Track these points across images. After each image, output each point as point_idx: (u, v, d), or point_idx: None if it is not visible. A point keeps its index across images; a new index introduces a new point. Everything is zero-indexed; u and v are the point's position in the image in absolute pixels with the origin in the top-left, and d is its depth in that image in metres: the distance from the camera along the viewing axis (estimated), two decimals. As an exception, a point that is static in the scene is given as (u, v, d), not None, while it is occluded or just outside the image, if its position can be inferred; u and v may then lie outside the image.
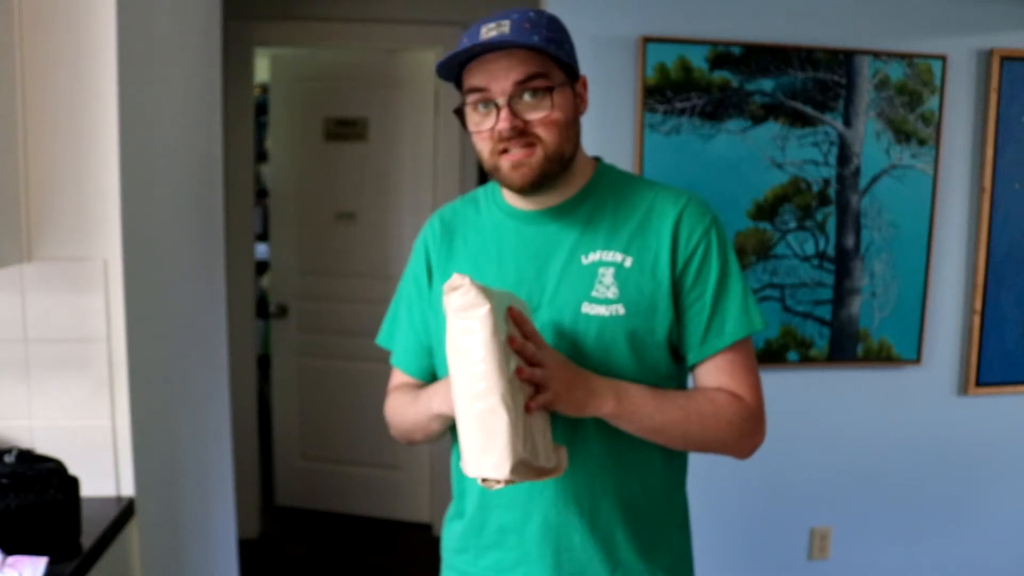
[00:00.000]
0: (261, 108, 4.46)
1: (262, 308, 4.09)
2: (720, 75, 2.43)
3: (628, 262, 1.20)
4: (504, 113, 1.12)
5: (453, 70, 1.18)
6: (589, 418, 1.18)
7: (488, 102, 1.14)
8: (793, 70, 2.47)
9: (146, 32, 1.75)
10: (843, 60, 2.48)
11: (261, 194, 4.52)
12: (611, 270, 1.19)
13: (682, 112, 2.42)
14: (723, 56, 2.42)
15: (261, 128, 4.76)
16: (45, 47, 1.54)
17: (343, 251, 3.71)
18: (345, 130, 3.66)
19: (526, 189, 1.18)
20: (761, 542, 2.68)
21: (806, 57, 2.47)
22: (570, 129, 1.18)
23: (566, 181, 1.23)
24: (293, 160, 3.77)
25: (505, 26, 1.12)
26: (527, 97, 1.13)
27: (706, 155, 2.44)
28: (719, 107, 2.44)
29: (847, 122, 2.51)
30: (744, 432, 1.22)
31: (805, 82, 2.48)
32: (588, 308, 1.19)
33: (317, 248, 3.76)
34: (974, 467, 2.75)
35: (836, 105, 2.50)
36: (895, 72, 2.51)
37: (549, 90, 1.14)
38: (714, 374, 1.23)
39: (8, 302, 1.59)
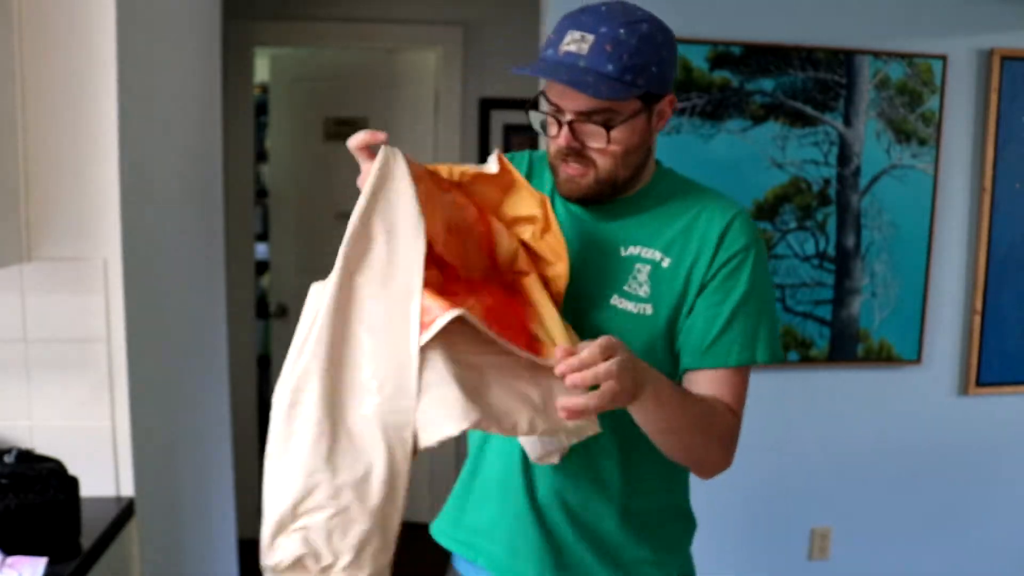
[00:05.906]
0: (261, 108, 4.45)
1: (262, 308, 4.08)
2: (720, 75, 2.43)
3: (666, 262, 1.18)
4: (564, 131, 1.14)
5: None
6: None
7: (556, 116, 1.16)
8: (793, 70, 2.46)
9: (146, 32, 1.75)
10: (843, 60, 2.48)
11: (261, 194, 4.51)
12: (647, 267, 1.18)
13: (682, 112, 2.42)
14: (723, 56, 2.42)
15: (261, 128, 4.75)
16: (44, 47, 1.54)
17: (343, 251, 3.71)
18: (345, 130, 3.65)
19: (571, 201, 1.20)
20: (761, 542, 2.68)
21: (806, 57, 2.46)
22: (630, 156, 1.16)
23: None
24: (293, 160, 3.77)
25: (587, 43, 1.09)
26: (590, 123, 1.13)
27: (706, 155, 2.44)
28: (719, 107, 2.44)
29: (847, 122, 2.51)
30: (724, 448, 1.18)
31: (805, 82, 2.47)
32: (617, 301, 1.18)
33: (317, 248, 3.74)
34: (974, 467, 2.74)
35: (836, 105, 2.50)
36: (895, 72, 2.51)
37: (609, 126, 1.12)
38: (710, 386, 1.18)
39: (8, 302, 1.59)
